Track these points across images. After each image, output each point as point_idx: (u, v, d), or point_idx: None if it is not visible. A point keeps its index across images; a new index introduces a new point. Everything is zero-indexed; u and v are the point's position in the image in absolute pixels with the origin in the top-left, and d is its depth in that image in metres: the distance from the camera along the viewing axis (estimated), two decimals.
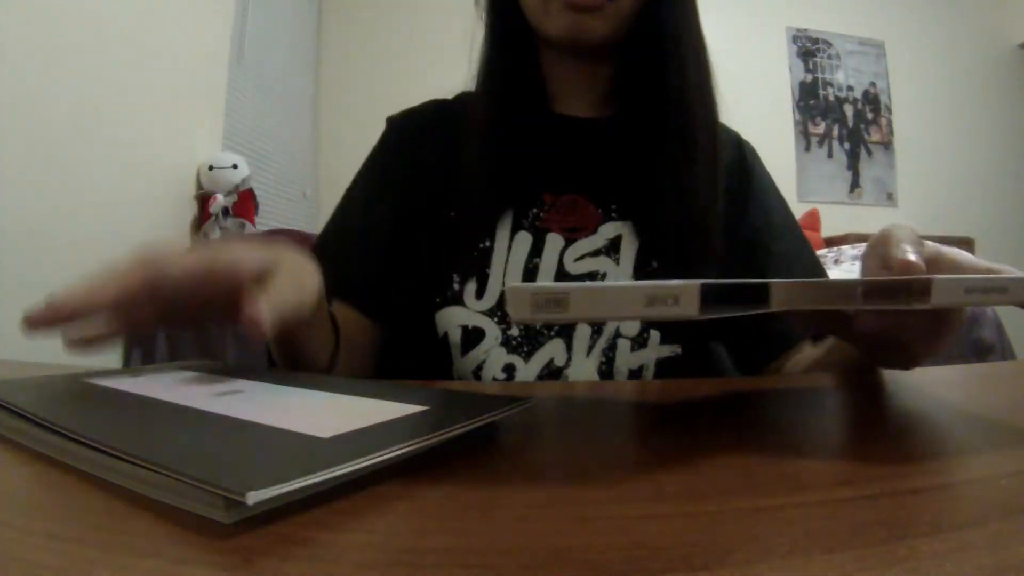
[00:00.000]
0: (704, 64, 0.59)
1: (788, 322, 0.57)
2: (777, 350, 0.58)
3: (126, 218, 1.71)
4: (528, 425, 0.30)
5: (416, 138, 0.64)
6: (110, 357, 1.64)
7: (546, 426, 0.33)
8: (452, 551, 0.16)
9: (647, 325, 0.55)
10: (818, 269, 0.64)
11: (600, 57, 0.60)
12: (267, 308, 0.30)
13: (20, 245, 1.34)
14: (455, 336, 0.55)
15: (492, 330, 0.55)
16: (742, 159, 0.65)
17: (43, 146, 1.42)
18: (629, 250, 0.57)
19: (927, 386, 0.41)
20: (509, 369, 0.55)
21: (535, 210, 0.58)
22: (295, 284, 0.35)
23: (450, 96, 0.67)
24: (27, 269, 1.35)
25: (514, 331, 0.55)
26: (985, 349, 1.88)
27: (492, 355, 0.55)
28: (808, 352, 0.55)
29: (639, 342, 0.55)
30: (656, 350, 0.55)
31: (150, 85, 1.81)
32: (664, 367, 0.55)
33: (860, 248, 2.28)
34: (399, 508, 0.20)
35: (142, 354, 1.65)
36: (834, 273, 1.92)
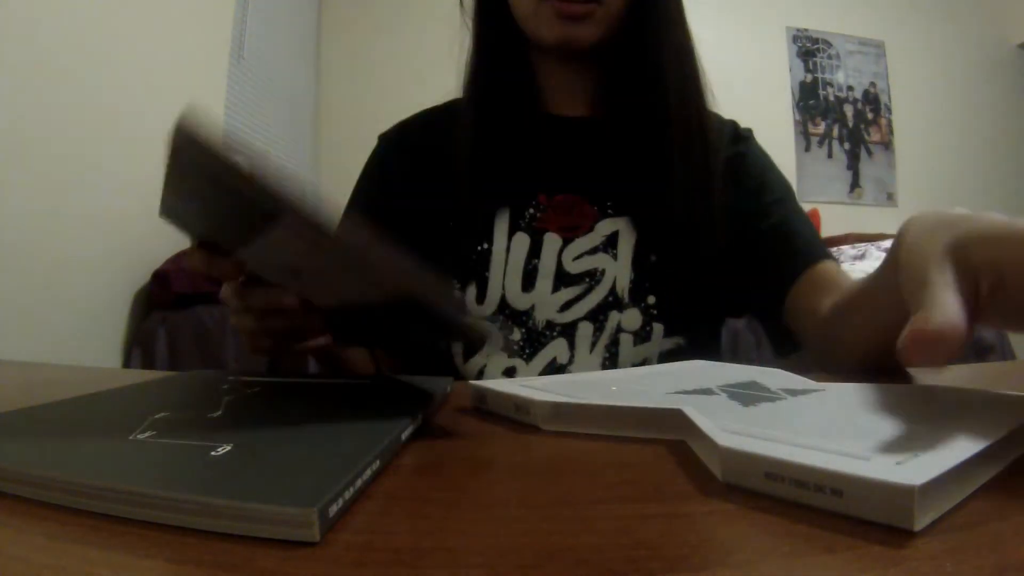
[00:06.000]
0: (690, 57, 0.59)
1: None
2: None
3: (126, 218, 1.71)
4: (528, 425, 0.30)
5: (410, 153, 0.64)
6: (110, 357, 1.64)
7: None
8: (452, 551, 0.16)
9: (650, 319, 0.55)
10: (810, 244, 0.59)
11: (591, 58, 0.60)
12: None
13: (19, 245, 1.34)
14: (457, 344, 0.56)
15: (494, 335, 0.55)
16: (736, 141, 0.64)
17: (42, 146, 1.42)
18: (627, 245, 0.57)
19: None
20: (510, 372, 0.55)
21: (531, 211, 0.58)
22: None
23: (440, 102, 0.66)
24: (27, 269, 1.35)
25: (516, 335, 0.55)
26: (985, 349, 1.88)
27: (492, 360, 0.55)
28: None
29: (642, 336, 0.55)
30: (659, 343, 0.55)
31: (150, 85, 1.81)
32: (667, 360, 0.55)
33: (860, 248, 2.28)
34: (399, 508, 0.20)
35: (141, 355, 1.65)
36: None
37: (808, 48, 3.63)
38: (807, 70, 3.62)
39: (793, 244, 0.57)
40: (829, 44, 3.65)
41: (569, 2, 0.53)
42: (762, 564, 0.15)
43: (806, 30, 3.63)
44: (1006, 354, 1.89)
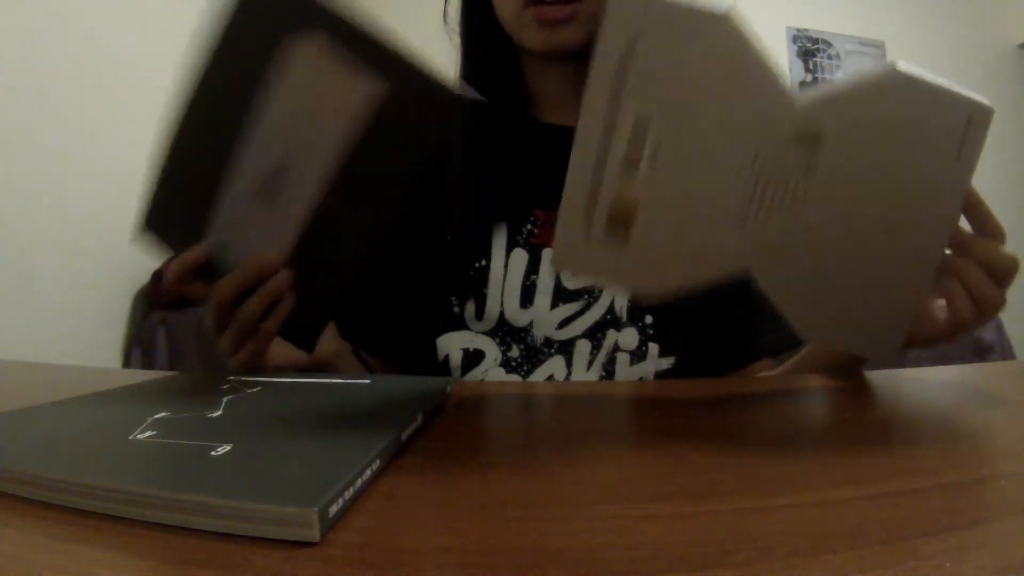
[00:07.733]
0: None
1: (756, 335, 0.58)
2: (743, 360, 0.59)
3: (125, 218, 1.71)
4: (528, 425, 0.30)
5: None
6: (110, 357, 1.64)
7: (545, 426, 0.33)
8: (452, 551, 0.16)
9: (646, 338, 0.55)
10: None
11: (582, 61, 0.59)
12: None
13: (19, 246, 1.34)
14: (456, 359, 0.56)
15: (492, 351, 0.55)
16: None
17: (42, 147, 1.42)
18: None
19: (926, 386, 0.41)
20: None
21: (528, 227, 0.58)
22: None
23: None
24: (26, 270, 1.36)
25: (514, 352, 0.55)
26: (985, 349, 1.88)
27: (490, 375, 0.55)
28: (769, 369, 0.57)
29: (638, 355, 0.55)
30: (655, 362, 0.55)
31: (150, 85, 1.81)
32: (663, 379, 0.55)
33: None
34: (399, 508, 0.20)
35: (141, 355, 1.65)
36: None
37: (808, 48, 3.63)
38: (807, 70, 3.62)
39: (759, 328, 0.59)
40: (829, 44, 3.66)
41: (548, 6, 0.53)
42: (762, 564, 0.15)
43: (806, 30, 3.63)
44: (1006, 354, 1.89)
